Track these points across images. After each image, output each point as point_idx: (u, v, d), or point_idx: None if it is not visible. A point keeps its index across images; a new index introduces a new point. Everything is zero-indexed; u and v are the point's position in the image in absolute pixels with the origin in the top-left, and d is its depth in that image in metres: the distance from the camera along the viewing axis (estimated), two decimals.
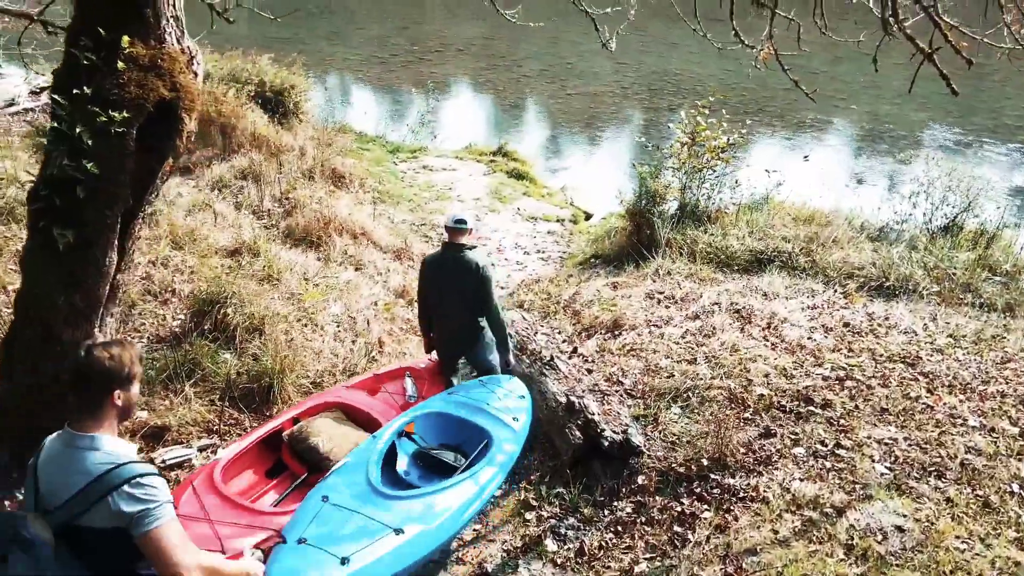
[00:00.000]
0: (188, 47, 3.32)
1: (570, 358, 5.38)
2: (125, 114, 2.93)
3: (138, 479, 2.03)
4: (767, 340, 5.69)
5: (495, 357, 4.72)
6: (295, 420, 4.15)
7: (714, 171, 8.60)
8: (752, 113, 15.69)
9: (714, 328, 5.88)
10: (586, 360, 5.52)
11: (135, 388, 2.21)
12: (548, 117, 16.60)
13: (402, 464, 3.86)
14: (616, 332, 6.02)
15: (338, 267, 7.16)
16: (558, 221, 10.42)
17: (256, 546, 3.03)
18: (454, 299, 4.48)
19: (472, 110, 16.98)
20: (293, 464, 3.95)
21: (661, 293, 6.85)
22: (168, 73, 3.11)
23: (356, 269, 7.28)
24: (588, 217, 11.03)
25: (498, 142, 12.85)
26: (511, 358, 4.72)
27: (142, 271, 5.87)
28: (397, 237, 8.33)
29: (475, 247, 4.53)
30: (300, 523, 3.19)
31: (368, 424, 4.18)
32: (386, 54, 21.37)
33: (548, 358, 5.02)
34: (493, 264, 5.02)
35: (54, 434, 2.16)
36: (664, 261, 7.51)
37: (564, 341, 5.85)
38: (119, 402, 2.14)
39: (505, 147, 12.53)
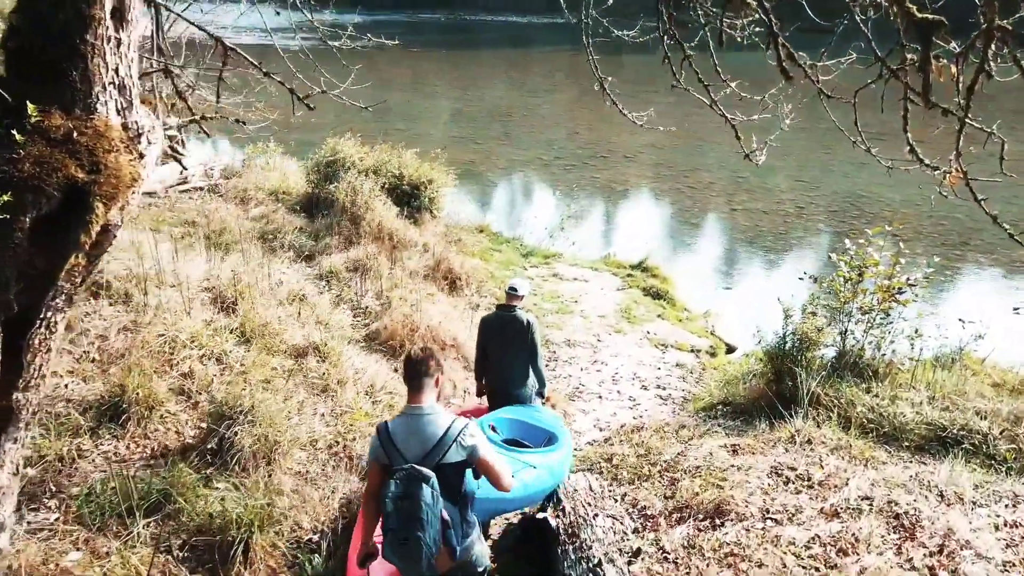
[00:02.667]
0: (137, 122, 2.67)
1: (631, 563, 3.99)
2: (8, 197, 2.27)
3: (467, 427, 3.12)
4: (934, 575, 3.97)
5: (534, 397, 5.63)
6: None
7: (887, 315, 6.91)
8: (952, 246, 13.41)
9: (856, 540, 4.25)
10: (662, 559, 4.11)
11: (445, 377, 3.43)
12: (704, 233, 15.28)
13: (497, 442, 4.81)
14: (717, 521, 4.55)
15: None
16: (692, 352, 9.01)
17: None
18: (509, 350, 5.47)
19: (621, 218, 16.10)
20: None
21: (793, 469, 5.27)
22: (87, 150, 2.45)
23: None
24: (730, 351, 9.51)
25: (641, 255, 11.75)
26: (546, 391, 5.75)
27: (188, 366, 5.36)
28: None
29: (526, 309, 5.73)
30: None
31: None
32: (551, 156, 21.30)
33: (596, 561, 3.71)
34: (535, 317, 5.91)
35: (396, 417, 3.22)
36: (806, 424, 5.91)
37: (637, 530, 4.46)
38: (439, 383, 3.27)
39: (647, 261, 11.40)
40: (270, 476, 4.22)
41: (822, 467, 5.31)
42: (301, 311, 7.10)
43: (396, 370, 6.57)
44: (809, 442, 5.70)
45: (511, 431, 5.14)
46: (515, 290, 5.59)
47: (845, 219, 15.65)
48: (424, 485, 2.88)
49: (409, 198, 11.03)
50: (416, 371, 3.18)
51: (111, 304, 6.00)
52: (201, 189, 12.43)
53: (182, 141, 13.44)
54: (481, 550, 3.38)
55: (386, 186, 11.00)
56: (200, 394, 5.12)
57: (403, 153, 11.62)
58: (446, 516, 2.98)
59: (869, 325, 6.89)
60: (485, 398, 5.78)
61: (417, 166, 11.33)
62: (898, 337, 6.95)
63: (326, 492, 4.46)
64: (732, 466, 5.29)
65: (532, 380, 5.55)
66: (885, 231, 6.93)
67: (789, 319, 6.72)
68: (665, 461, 5.42)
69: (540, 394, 5.62)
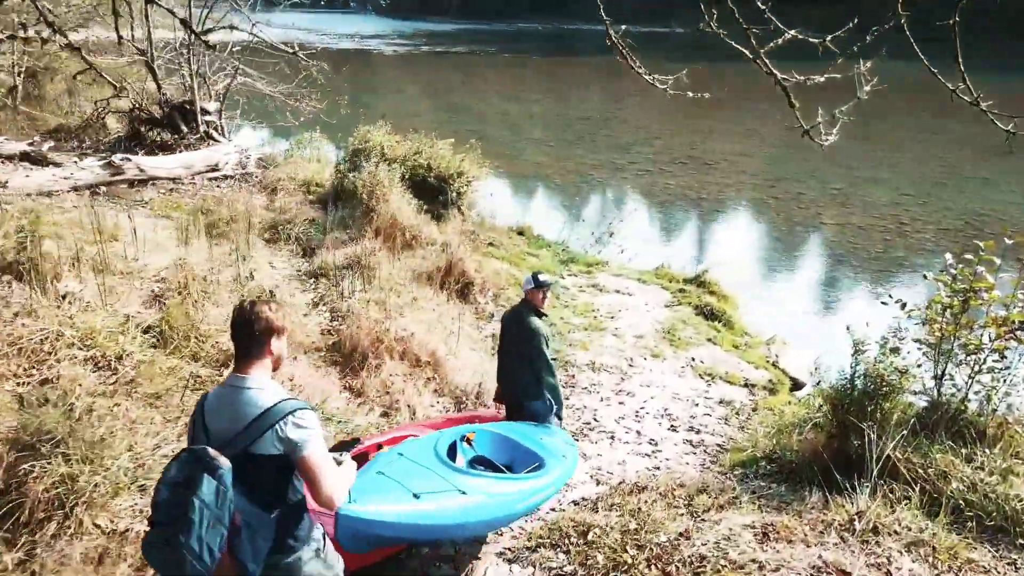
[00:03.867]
0: None
1: None
2: None
3: (299, 411, 2.41)
4: None
5: (547, 417, 4.92)
6: (379, 447, 4.20)
7: (1003, 356, 5.11)
8: None
9: None
10: None
11: (284, 341, 2.60)
12: (783, 248, 13.36)
13: (460, 463, 4.13)
14: None
15: (360, 408, 5.06)
16: (745, 386, 7.36)
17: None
18: (514, 353, 4.91)
19: (687, 228, 14.38)
20: None
21: (847, 575, 3.65)
22: None
23: (384, 415, 5.13)
24: (795, 387, 7.78)
25: (700, 268, 10.09)
26: (562, 414, 5.01)
27: (57, 371, 4.29)
28: (478, 375, 6.06)
29: (541, 313, 4.98)
30: (380, 463, 3.68)
31: None
32: (625, 161, 19.72)
33: None
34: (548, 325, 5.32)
35: (216, 388, 2.56)
36: (873, 504, 4.25)
37: None
38: (274, 350, 2.53)
39: (705, 275, 9.73)
40: (53, 538, 2.98)
41: (890, 573, 3.67)
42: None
43: (348, 388, 5.34)
44: (875, 531, 4.04)
45: (492, 450, 4.47)
46: (528, 283, 5.00)
47: (958, 239, 13.33)
48: (206, 475, 2.22)
49: (436, 192, 9.84)
50: (242, 331, 2.49)
51: (11, 285, 5.06)
52: (232, 177, 11.67)
53: (220, 127, 12.85)
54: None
55: (409, 177, 9.86)
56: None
57: (435, 143, 10.46)
58: (238, 520, 2.29)
59: (976, 369, 5.11)
60: (503, 407, 5.24)
61: (447, 157, 10.12)
62: (1017, 388, 5.13)
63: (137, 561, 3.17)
64: (754, 562, 3.71)
65: (546, 393, 4.89)
66: (1004, 244, 5.13)
67: (860, 355, 5.04)
68: (659, 544, 3.89)
69: (558, 415, 4.97)
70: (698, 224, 14.57)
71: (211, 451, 2.27)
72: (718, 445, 5.96)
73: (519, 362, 4.87)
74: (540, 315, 4.97)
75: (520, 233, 11.03)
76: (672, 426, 6.29)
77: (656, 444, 5.95)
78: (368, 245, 7.96)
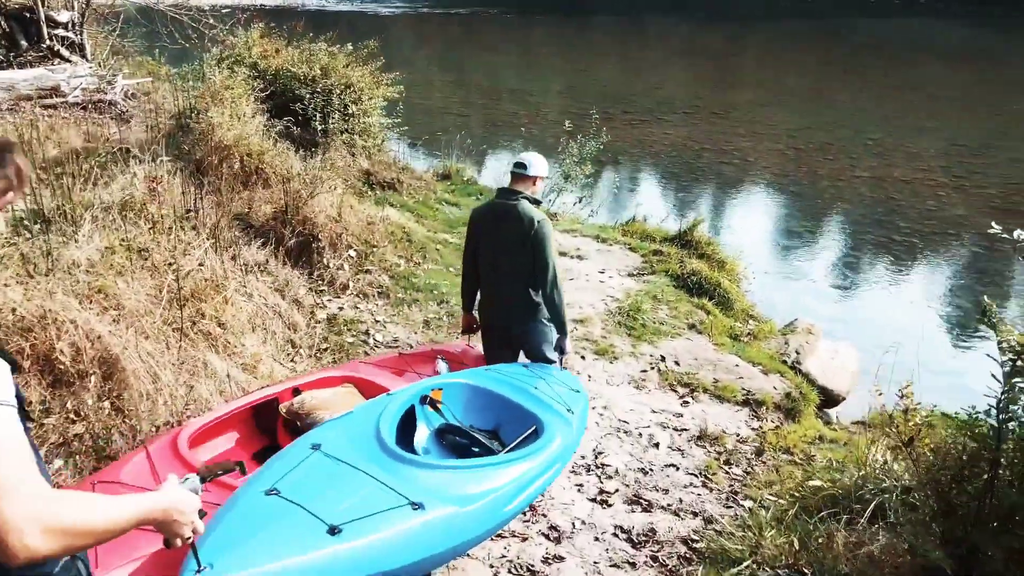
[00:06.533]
0: None
1: None
2: None
3: None
4: None
5: (550, 348, 3.57)
6: (295, 391, 3.12)
7: None
8: None
9: None
10: None
11: None
12: (806, 206, 10.34)
13: (421, 438, 2.84)
14: None
15: None
16: (747, 403, 4.49)
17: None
18: (504, 260, 3.48)
19: (676, 182, 11.34)
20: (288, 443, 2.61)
21: None
22: None
23: None
24: (828, 403, 4.93)
25: (685, 223, 7.14)
26: (567, 344, 3.60)
27: None
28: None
29: (537, 200, 3.52)
30: (273, 471, 2.17)
31: None
32: (617, 110, 16.62)
33: None
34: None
35: None
36: None
37: None
38: None
39: (693, 232, 6.78)
40: None
41: None
42: None
43: None
44: None
45: (468, 412, 3.05)
46: (522, 167, 3.52)
47: None
48: None
49: (321, 113, 6.92)
50: None
51: None
52: (80, 105, 8.78)
53: (78, 45, 10.00)
54: None
55: (281, 92, 6.99)
56: None
57: (334, 54, 7.53)
58: None
59: None
60: (475, 339, 3.95)
61: (337, 66, 7.20)
62: None
63: None
64: None
65: (546, 316, 3.53)
66: None
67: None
68: None
69: (560, 347, 3.57)
70: (695, 177, 11.54)
71: None
72: (681, 555, 3.06)
73: (510, 273, 3.51)
74: (538, 204, 3.55)
75: (446, 177, 8.10)
76: (601, 498, 3.41)
77: (557, 540, 3.06)
78: (170, 181, 5.09)
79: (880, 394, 3.53)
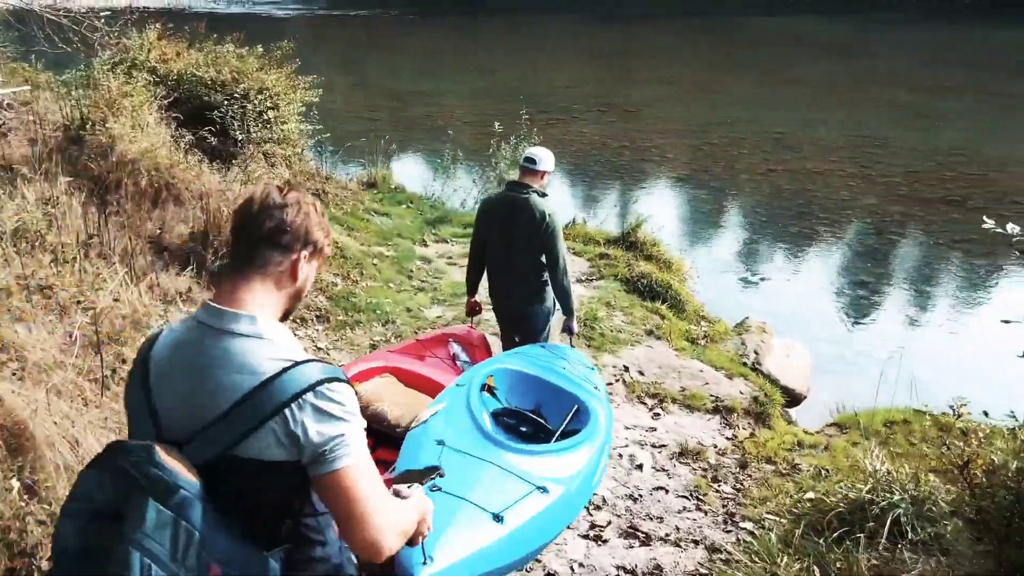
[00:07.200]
0: None
1: None
2: None
3: (326, 386, 1.22)
4: None
5: (553, 332, 3.90)
6: None
7: None
8: None
9: None
10: None
11: (315, 268, 1.40)
12: (729, 200, 10.49)
13: (487, 423, 2.86)
14: None
15: None
16: (717, 411, 4.35)
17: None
18: (516, 249, 3.66)
19: (603, 181, 11.32)
20: None
21: None
22: None
23: None
24: (789, 403, 4.87)
25: (630, 223, 7.00)
26: (574, 325, 3.84)
27: None
28: None
29: (544, 194, 3.70)
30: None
31: (428, 389, 3.30)
32: (534, 110, 16.45)
33: None
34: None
35: (174, 323, 1.32)
36: None
37: None
38: (300, 272, 1.34)
39: (637, 232, 6.65)
40: None
41: None
42: None
43: None
44: None
45: (514, 394, 3.22)
46: (532, 161, 3.68)
47: (934, 182, 10.84)
48: (152, 503, 1.09)
49: (237, 120, 6.34)
50: (248, 226, 1.32)
51: None
52: None
53: None
54: None
55: (187, 99, 6.38)
56: None
57: (243, 57, 6.94)
58: (218, 573, 1.16)
59: None
60: (474, 321, 4.18)
61: (249, 70, 6.63)
62: None
63: None
64: None
65: (551, 298, 3.75)
66: None
67: None
68: None
69: (568, 328, 3.82)
70: (621, 176, 11.51)
71: (160, 452, 1.13)
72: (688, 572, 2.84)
73: (521, 263, 3.68)
74: (544, 197, 3.72)
75: (371, 185, 7.65)
76: (594, 534, 3.15)
77: None
78: (68, 202, 4.47)
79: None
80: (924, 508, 2.76)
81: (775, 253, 8.47)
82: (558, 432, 2.96)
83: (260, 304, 1.29)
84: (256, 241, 1.30)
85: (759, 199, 10.31)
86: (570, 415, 3.07)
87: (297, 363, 1.22)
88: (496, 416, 3.05)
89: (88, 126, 5.63)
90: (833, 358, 5.80)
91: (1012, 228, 2.87)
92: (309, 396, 1.20)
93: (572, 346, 3.92)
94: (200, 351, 1.24)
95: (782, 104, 17.63)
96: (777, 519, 3.13)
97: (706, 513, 3.31)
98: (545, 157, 3.69)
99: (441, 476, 2.14)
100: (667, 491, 3.46)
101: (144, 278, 4.21)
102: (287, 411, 1.19)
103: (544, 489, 2.41)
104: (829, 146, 13.10)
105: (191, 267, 4.58)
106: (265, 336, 1.25)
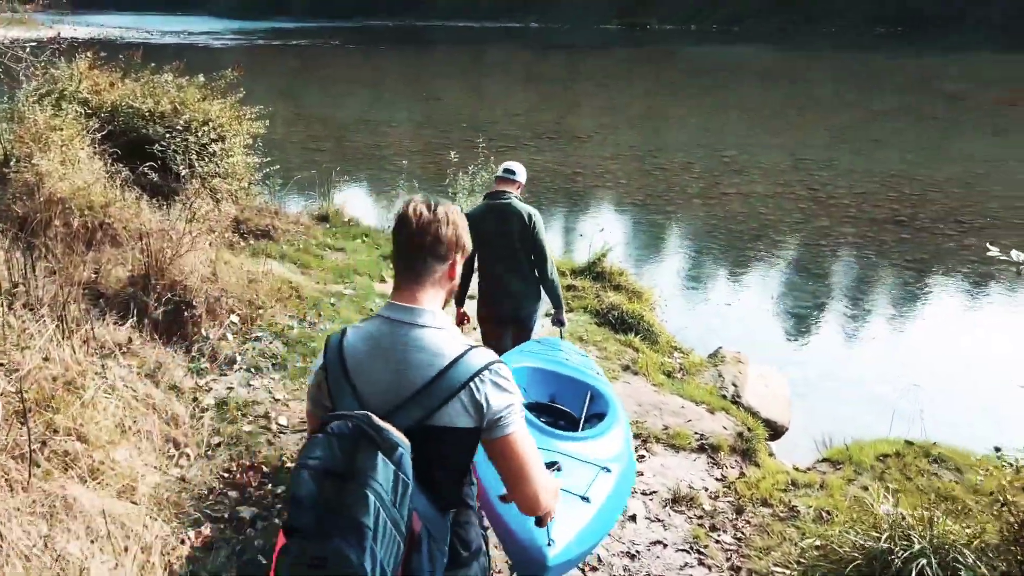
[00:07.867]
0: None
1: None
2: None
3: (497, 365, 1.51)
4: None
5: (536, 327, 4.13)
6: None
7: None
8: None
9: None
10: None
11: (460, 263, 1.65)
12: (686, 225, 10.48)
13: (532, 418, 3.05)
14: None
15: None
16: (703, 449, 4.16)
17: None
18: (504, 254, 3.87)
19: (560, 208, 11.20)
20: None
21: None
22: None
23: None
24: (774, 435, 4.72)
25: (595, 252, 6.82)
26: (564, 317, 4.08)
27: None
28: None
29: (522, 199, 3.96)
30: None
31: None
32: (485, 138, 16.35)
33: None
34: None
35: (360, 323, 1.60)
36: None
37: None
38: (456, 272, 1.63)
39: (603, 261, 6.48)
40: None
41: None
42: None
43: None
44: None
45: (531, 387, 3.33)
46: (512, 172, 3.97)
47: (881, 203, 11.07)
48: (381, 457, 1.36)
49: (179, 156, 5.93)
50: (411, 243, 1.55)
51: None
52: None
53: None
54: None
55: (123, 131, 5.96)
56: None
57: (182, 87, 6.55)
58: (418, 527, 1.46)
59: None
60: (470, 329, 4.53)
61: (189, 100, 6.26)
62: None
63: None
64: None
65: (543, 298, 4.02)
66: None
67: None
68: None
69: (559, 320, 4.05)
70: (576, 203, 11.42)
71: (379, 421, 1.40)
72: None
73: (514, 265, 3.87)
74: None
75: (323, 219, 7.31)
76: None
77: None
78: None
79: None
80: (948, 557, 2.59)
81: (736, 278, 8.43)
82: (582, 418, 3.14)
83: (431, 300, 1.54)
84: (422, 256, 1.53)
85: (715, 223, 10.32)
86: (587, 401, 3.24)
87: (472, 347, 1.49)
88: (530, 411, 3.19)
89: (12, 163, 5.18)
90: (802, 381, 5.71)
91: (1017, 255, 2.78)
92: (486, 373, 1.46)
93: (562, 337, 4.06)
94: (394, 340, 1.48)
95: (726, 129, 17.99)
96: (786, 571, 2.92)
97: (710, 568, 3.08)
98: (520, 169, 4.00)
99: (559, 471, 2.47)
100: (665, 545, 3.22)
101: (78, 330, 3.79)
102: (472, 384, 1.45)
103: (607, 469, 2.66)
104: (776, 169, 13.33)
105: (131, 316, 4.17)
106: (443, 327, 1.50)
